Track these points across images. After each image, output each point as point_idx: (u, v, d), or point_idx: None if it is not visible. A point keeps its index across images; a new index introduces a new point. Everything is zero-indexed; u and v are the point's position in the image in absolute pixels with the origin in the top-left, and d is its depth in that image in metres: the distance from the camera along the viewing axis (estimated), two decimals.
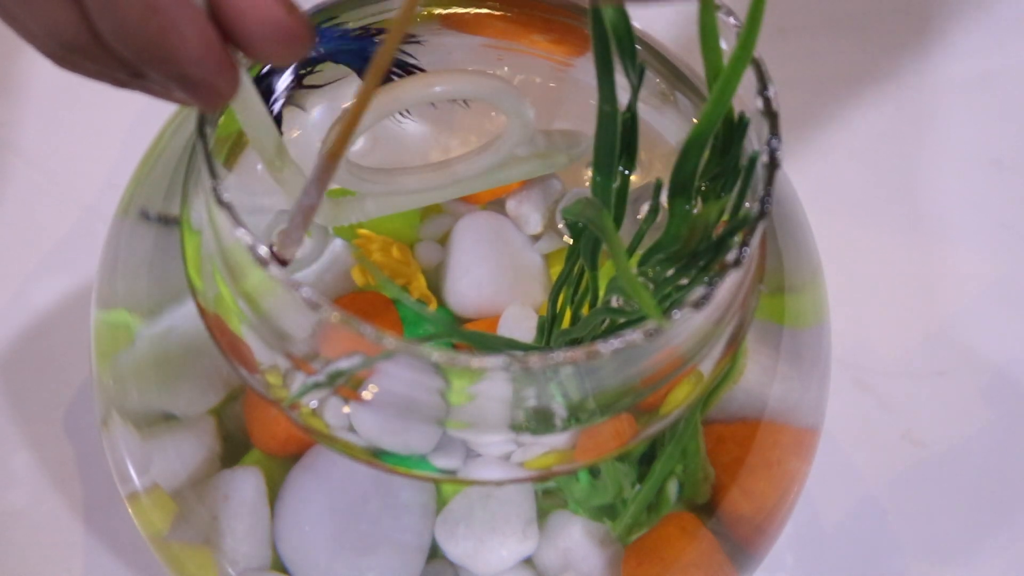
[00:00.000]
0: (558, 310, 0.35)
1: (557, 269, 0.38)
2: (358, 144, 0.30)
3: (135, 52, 0.24)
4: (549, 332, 0.35)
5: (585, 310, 0.34)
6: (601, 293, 0.34)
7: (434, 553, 0.35)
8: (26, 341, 0.48)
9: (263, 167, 0.30)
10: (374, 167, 0.32)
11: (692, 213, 0.30)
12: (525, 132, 0.32)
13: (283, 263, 0.28)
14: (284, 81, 0.34)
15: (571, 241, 0.34)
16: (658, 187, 0.33)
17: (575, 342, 0.33)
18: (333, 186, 0.31)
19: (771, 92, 0.28)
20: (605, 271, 0.33)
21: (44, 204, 0.52)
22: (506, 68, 0.37)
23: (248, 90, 0.27)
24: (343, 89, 0.36)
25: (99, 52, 0.25)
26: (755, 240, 0.27)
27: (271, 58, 0.25)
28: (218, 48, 0.24)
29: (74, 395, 0.47)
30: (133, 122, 0.52)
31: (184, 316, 0.34)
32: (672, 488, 0.35)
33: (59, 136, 0.53)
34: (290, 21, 0.24)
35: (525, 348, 0.34)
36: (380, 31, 0.33)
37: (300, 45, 0.25)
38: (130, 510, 0.36)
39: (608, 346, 0.25)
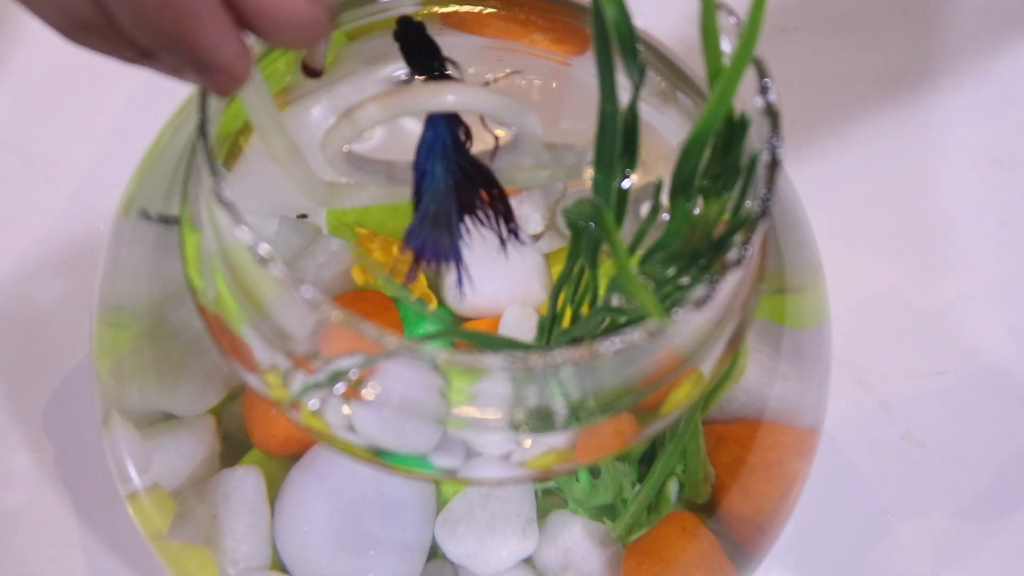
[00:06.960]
0: (559, 309, 0.34)
1: (558, 268, 0.38)
2: (372, 138, 0.30)
3: (152, 37, 0.24)
4: (550, 331, 0.35)
5: (585, 309, 0.34)
6: (601, 292, 0.34)
7: (434, 553, 0.35)
8: (26, 341, 0.48)
9: (258, 140, 0.30)
10: (375, 158, 0.32)
11: (693, 212, 0.30)
12: (531, 145, 0.32)
13: None
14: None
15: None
16: (659, 186, 0.33)
17: (575, 341, 0.32)
18: (329, 177, 0.31)
19: (772, 92, 0.28)
20: (605, 270, 0.33)
21: (44, 204, 0.52)
22: (507, 68, 0.37)
23: (254, 73, 0.27)
24: (343, 88, 0.36)
25: (112, 33, 0.24)
26: (756, 239, 0.27)
27: (288, 43, 0.25)
28: (234, 34, 0.24)
29: (74, 395, 0.47)
30: (134, 122, 0.52)
31: (184, 316, 0.34)
32: (672, 488, 0.35)
33: (60, 136, 0.53)
34: (308, 6, 0.24)
35: (525, 347, 0.34)
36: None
37: (318, 30, 0.25)
38: (130, 510, 0.36)
39: (609, 346, 0.25)
